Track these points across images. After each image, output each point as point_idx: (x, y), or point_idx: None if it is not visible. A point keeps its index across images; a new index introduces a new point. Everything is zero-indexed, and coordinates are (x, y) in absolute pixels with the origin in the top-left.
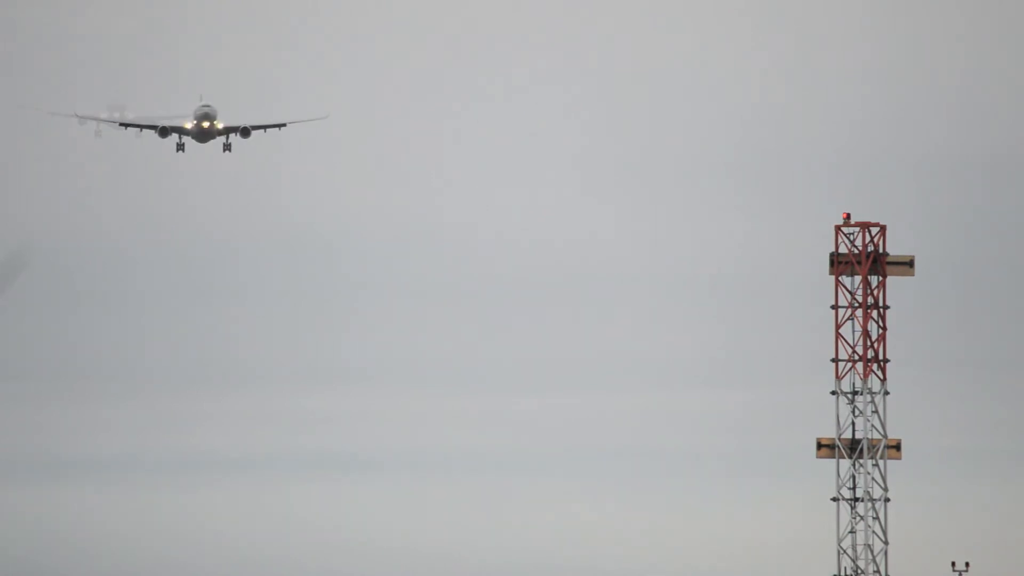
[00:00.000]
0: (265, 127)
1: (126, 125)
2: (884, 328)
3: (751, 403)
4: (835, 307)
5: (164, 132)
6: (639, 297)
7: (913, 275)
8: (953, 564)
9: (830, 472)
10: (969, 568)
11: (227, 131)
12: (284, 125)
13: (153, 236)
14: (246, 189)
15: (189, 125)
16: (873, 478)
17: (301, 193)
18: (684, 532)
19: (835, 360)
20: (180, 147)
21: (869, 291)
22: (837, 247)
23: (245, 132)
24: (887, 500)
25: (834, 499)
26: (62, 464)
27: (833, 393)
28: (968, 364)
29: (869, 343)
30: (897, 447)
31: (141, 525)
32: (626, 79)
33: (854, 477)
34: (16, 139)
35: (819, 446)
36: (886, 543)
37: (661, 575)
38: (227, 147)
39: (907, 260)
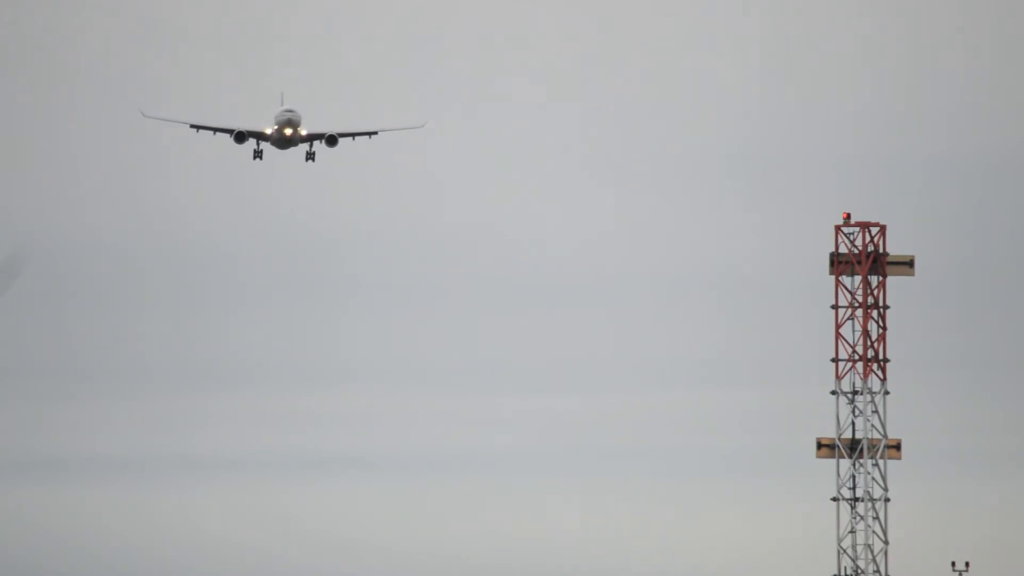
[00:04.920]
0: (354, 135)
1: (198, 128)
2: (884, 328)
3: (751, 403)
4: (835, 307)
5: (240, 137)
6: (639, 297)
7: (913, 275)
8: (953, 564)
9: (830, 472)
10: (969, 568)
11: (311, 138)
12: (375, 133)
13: (153, 236)
14: (247, 189)
15: (269, 131)
16: (873, 478)
17: (302, 194)
18: (683, 532)
19: (835, 360)
20: (257, 154)
21: (869, 291)
22: (837, 247)
23: (332, 140)
24: (887, 500)
25: (834, 499)
26: (62, 464)
27: (833, 393)
28: (968, 364)
29: (869, 343)
30: (897, 447)
31: (141, 525)
32: (626, 80)
33: (854, 477)
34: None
35: (819, 446)
36: (886, 543)
37: (661, 575)
38: (310, 156)
39: (907, 260)
